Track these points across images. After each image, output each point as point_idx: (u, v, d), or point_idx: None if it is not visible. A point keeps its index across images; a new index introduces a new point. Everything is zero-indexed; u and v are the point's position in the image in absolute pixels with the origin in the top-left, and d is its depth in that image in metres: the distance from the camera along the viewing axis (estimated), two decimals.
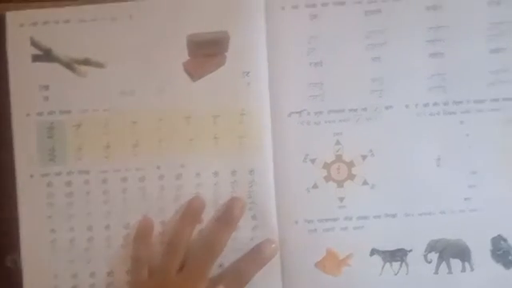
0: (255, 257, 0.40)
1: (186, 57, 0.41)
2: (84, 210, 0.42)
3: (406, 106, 0.41)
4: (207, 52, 0.41)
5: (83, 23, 0.42)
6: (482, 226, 0.41)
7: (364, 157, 0.41)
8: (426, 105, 0.41)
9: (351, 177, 0.41)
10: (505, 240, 0.41)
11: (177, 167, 0.41)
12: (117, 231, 0.42)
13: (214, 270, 0.40)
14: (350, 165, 0.41)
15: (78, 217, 0.42)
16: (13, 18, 0.42)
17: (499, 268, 0.41)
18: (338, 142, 0.41)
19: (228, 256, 0.41)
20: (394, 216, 0.41)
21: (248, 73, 0.41)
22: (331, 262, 0.41)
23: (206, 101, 0.41)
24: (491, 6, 0.41)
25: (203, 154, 0.41)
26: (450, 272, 0.41)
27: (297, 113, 0.41)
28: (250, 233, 0.41)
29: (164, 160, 0.41)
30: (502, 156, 0.41)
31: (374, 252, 0.41)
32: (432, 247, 0.41)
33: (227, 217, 0.40)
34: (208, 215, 0.41)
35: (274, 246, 0.41)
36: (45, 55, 0.42)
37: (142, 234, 0.41)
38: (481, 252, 0.41)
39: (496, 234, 0.41)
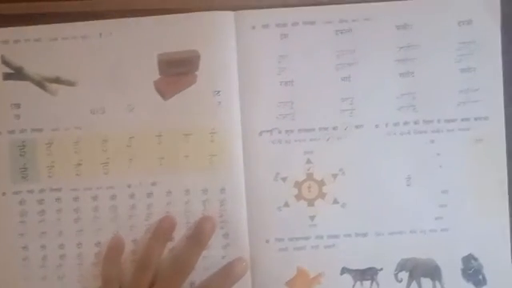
0: (226, 275, 0.40)
1: (156, 75, 0.41)
2: (56, 227, 0.42)
3: (376, 126, 0.41)
4: (178, 71, 0.41)
5: (54, 41, 0.41)
6: (453, 245, 0.41)
7: (335, 175, 0.41)
8: (396, 124, 0.41)
9: (322, 195, 0.41)
10: (475, 259, 0.41)
11: (148, 185, 0.41)
12: (88, 249, 0.42)
13: None
14: (321, 183, 0.41)
15: (50, 234, 0.42)
16: None
17: (470, 287, 0.41)
18: (308, 161, 0.41)
19: (199, 274, 0.41)
20: (364, 235, 0.41)
21: (219, 92, 0.41)
22: (302, 281, 0.41)
23: (177, 119, 0.41)
24: (461, 26, 0.41)
25: (174, 173, 0.41)
26: None
27: (268, 131, 0.41)
28: (221, 251, 0.41)
29: (135, 178, 0.41)
30: (473, 175, 0.41)
31: (344, 271, 0.41)
32: (402, 266, 0.41)
33: (197, 236, 0.40)
34: (179, 233, 0.41)
35: (244, 264, 0.41)
36: (16, 73, 0.42)
37: (113, 252, 0.41)
38: (451, 271, 0.41)
39: (467, 253, 0.41)
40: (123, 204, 0.41)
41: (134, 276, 0.40)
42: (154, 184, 0.41)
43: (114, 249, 0.41)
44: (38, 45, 0.42)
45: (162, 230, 0.41)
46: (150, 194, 0.41)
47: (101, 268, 0.41)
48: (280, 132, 0.41)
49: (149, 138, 0.41)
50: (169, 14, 0.41)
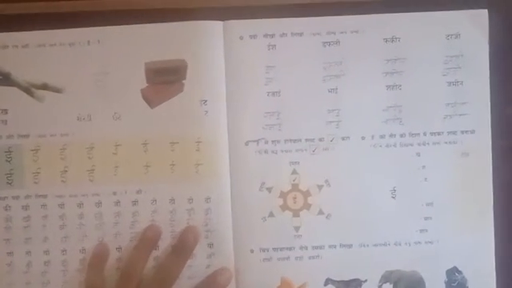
0: (210, 285, 0.40)
1: (144, 83, 0.41)
2: (41, 233, 0.42)
3: (363, 138, 0.41)
4: (165, 79, 0.41)
5: (42, 48, 0.41)
6: (437, 257, 0.42)
7: (320, 187, 0.41)
8: (382, 136, 0.41)
9: (307, 206, 0.41)
10: (460, 272, 0.41)
11: (133, 193, 0.41)
12: (73, 255, 0.42)
13: None
14: (306, 194, 0.41)
15: (35, 240, 0.42)
16: None
17: None
18: (294, 172, 0.41)
19: (183, 283, 0.41)
20: (349, 246, 0.41)
21: (206, 101, 0.41)
22: None
23: (163, 128, 0.41)
24: (449, 39, 0.41)
25: (160, 181, 0.41)
26: None
27: (254, 141, 0.41)
28: (206, 260, 0.41)
29: (120, 186, 0.41)
30: (458, 188, 0.41)
31: (328, 282, 0.41)
32: (386, 278, 0.41)
33: (181, 247, 0.40)
34: (164, 242, 0.41)
35: (228, 274, 0.41)
36: (4, 79, 0.41)
37: (97, 259, 0.41)
38: (435, 284, 0.41)
39: (451, 266, 0.42)
40: (108, 211, 0.41)
41: (118, 285, 0.40)
42: (139, 192, 0.41)
43: (99, 256, 0.41)
44: (25, 51, 0.42)
45: (147, 239, 0.41)
46: (135, 202, 0.41)
47: (85, 275, 0.41)
48: (266, 142, 0.41)
49: (135, 145, 0.41)
50: (164, 14, 0.41)
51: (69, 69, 0.41)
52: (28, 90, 0.41)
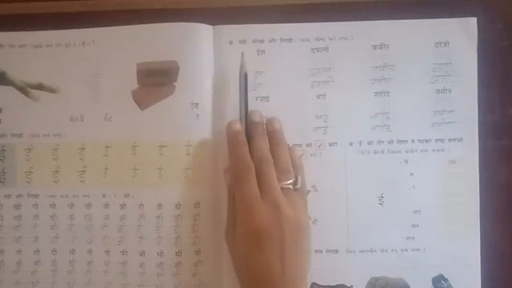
0: None
1: (135, 85, 0.42)
2: (32, 233, 0.42)
3: (350, 144, 0.41)
4: (156, 81, 0.41)
5: (38, 48, 0.42)
6: (424, 265, 0.41)
7: (307, 192, 0.41)
8: (370, 143, 0.41)
9: None
10: (446, 280, 0.41)
11: (121, 197, 0.42)
12: (63, 256, 0.42)
13: None
14: None
15: (25, 240, 0.42)
16: None
17: None
18: None
19: None
20: (335, 252, 0.41)
21: (197, 104, 0.41)
22: None
23: (152, 130, 0.41)
24: (438, 47, 0.41)
25: (147, 185, 0.41)
26: None
27: None
28: (193, 268, 0.41)
29: (109, 188, 0.42)
30: (446, 196, 0.41)
31: (314, 286, 0.41)
32: (372, 285, 0.41)
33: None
34: (151, 249, 0.41)
35: None
36: None
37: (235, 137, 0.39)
38: None
39: (437, 274, 0.41)
40: (98, 213, 0.42)
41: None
42: (127, 196, 0.41)
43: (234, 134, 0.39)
44: (22, 51, 0.42)
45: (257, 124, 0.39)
46: (123, 206, 0.42)
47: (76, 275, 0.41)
48: None
49: (124, 148, 0.42)
50: (161, 14, 0.42)
51: (64, 69, 0.42)
52: (23, 89, 0.42)
